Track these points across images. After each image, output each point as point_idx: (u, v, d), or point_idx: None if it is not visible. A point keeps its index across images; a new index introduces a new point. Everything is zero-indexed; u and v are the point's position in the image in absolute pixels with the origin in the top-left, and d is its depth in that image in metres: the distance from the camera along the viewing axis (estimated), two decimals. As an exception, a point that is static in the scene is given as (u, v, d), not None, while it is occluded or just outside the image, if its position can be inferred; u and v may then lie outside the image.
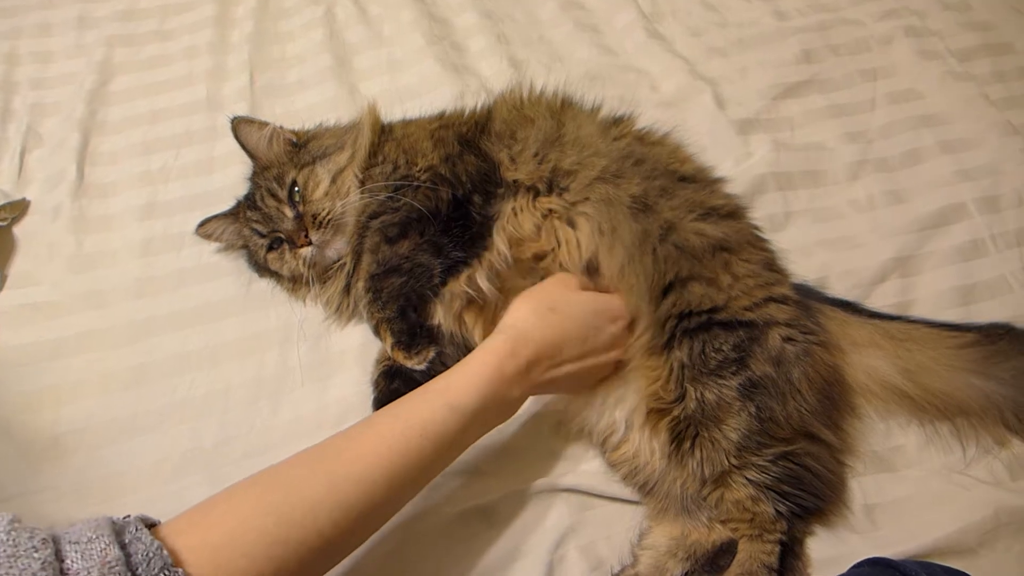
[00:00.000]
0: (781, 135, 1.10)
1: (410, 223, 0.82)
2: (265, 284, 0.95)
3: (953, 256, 0.98)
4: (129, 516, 0.53)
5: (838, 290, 0.93)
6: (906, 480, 0.82)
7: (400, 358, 0.79)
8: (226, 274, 0.96)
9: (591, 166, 0.81)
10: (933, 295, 0.95)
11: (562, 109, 0.89)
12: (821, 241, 1.00)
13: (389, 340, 0.79)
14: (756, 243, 0.84)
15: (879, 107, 1.15)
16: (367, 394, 0.85)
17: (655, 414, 0.78)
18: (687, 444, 0.76)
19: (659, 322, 0.78)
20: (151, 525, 0.54)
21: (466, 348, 0.85)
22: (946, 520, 0.78)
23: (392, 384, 0.82)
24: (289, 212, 0.86)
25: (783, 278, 0.84)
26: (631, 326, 0.79)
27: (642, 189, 0.80)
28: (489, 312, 0.84)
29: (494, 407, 0.70)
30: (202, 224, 0.94)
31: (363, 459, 0.61)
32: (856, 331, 0.85)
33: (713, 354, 0.76)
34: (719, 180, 0.88)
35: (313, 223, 0.85)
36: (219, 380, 0.87)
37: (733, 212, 0.84)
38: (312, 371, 0.88)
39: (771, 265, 0.84)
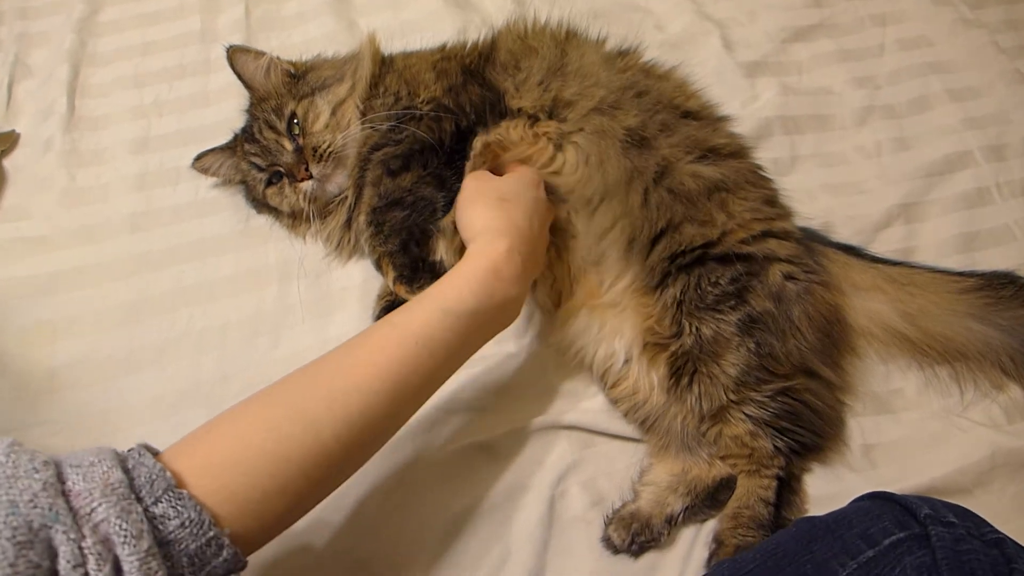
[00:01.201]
0: (789, 79, 1.06)
1: (413, 155, 0.78)
2: (264, 220, 0.91)
3: (958, 203, 0.96)
4: (132, 447, 0.51)
5: (842, 235, 0.91)
6: (905, 422, 0.81)
7: (402, 292, 0.76)
8: (223, 209, 0.92)
9: (590, 96, 0.77)
10: (937, 242, 0.93)
11: (567, 39, 0.84)
12: (826, 186, 0.97)
13: (391, 274, 0.77)
14: (756, 181, 0.81)
15: (888, 53, 1.11)
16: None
17: (652, 348, 0.77)
18: (685, 379, 0.74)
19: (648, 268, 0.76)
20: (154, 453, 0.51)
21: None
22: (943, 460, 0.78)
23: None
24: (288, 145, 0.82)
25: (785, 214, 0.82)
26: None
27: (639, 122, 0.76)
28: None
29: (493, 309, 0.65)
30: (198, 158, 0.90)
31: (360, 370, 0.58)
32: (858, 274, 0.84)
33: (710, 288, 0.74)
34: (724, 118, 0.85)
35: (313, 156, 0.81)
36: (217, 316, 0.85)
37: (735, 152, 0.81)
38: (313, 308, 0.86)
39: (772, 201, 0.81)
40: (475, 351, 0.66)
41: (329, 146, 0.81)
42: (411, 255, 0.77)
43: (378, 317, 0.82)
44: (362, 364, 0.58)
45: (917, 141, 1.02)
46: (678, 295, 0.74)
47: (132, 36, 1.08)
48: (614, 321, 0.78)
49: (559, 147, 0.76)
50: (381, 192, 0.79)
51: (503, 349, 0.83)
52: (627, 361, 0.78)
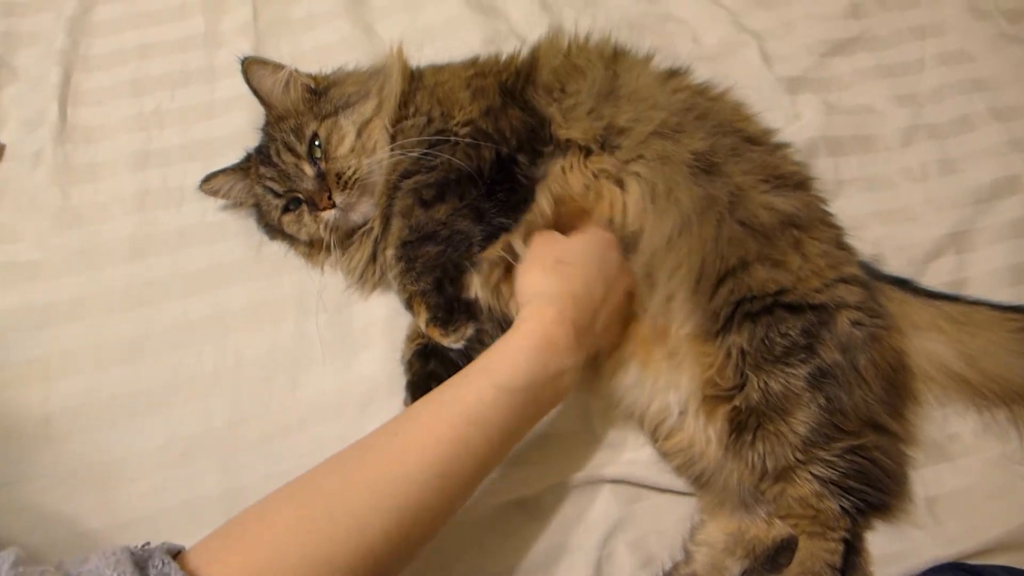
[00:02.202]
0: (830, 96, 0.98)
1: (448, 184, 0.70)
2: (277, 247, 0.82)
3: (1008, 232, 0.88)
4: (150, 544, 0.42)
5: (893, 267, 0.84)
6: (964, 470, 0.75)
7: (436, 336, 0.68)
8: (233, 234, 0.82)
9: (647, 120, 0.70)
10: (987, 273, 0.86)
11: (615, 58, 0.76)
12: (874, 213, 0.90)
13: (424, 316, 0.69)
14: (826, 219, 0.74)
15: (928, 68, 1.03)
16: (396, 372, 0.74)
17: (712, 400, 0.69)
18: (748, 436, 0.67)
19: (712, 312, 0.68)
20: (176, 553, 0.43)
21: (504, 322, 0.75)
22: (1008, 513, 0.71)
23: (428, 365, 0.72)
24: (309, 170, 0.73)
25: (852, 256, 0.75)
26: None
27: (707, 145, 0.69)
28: None
29: (547, 382, 0.60)
30: (207, 179, 0.80)
31: (408, 455, 0.52)
32: (917, 313, 0.76)
33: (779, 339, 0.66)
34: (784, 145, 0.77)
35: (337, 183, 0.72)
36: (229, 353, 0.76)
37: (803, 182, 0.74)
38: (333, 346, 0.77)
39: (842, 243, 0.74)
40: (530, 429, 0.60)
41: (355, 172, 0.72)
42: (446, 295, 0.69)
43: (409, 363, 0.73)
44: (409, 449, 0.51)
45: (963, 163, 0.95)
46: (744, 345, 0.66)
47: (129, 37, 0.97)
48: (670, 374, 0.70)
49: (620, 184, 0.68)
50: (412, 224, 0.70)
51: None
52: (682, 414, 0.71)
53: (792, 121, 0.94)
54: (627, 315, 0.72)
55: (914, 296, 0.78)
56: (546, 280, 0.64)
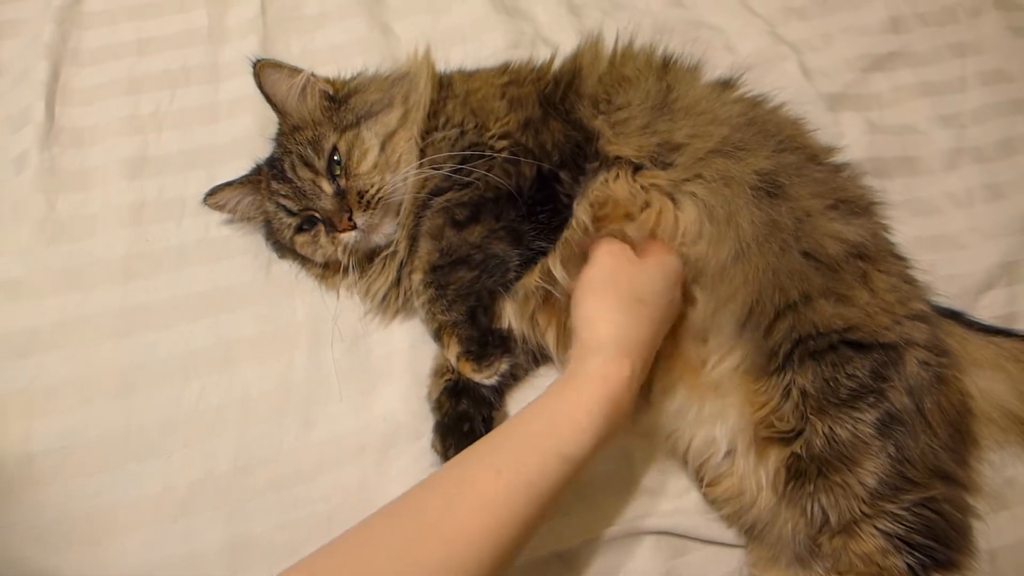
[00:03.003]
0: (872, 114, 0.92)
1: (484, 204, 0.63)
2: (288, 266, 0.74)
3: (1058, 263, 0.83)
4: None
5: (943, 297, 0.78)
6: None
7: (467, 371, 0.62)
8: (239, 253, 0.74)
9: (707, 136, 0.63)
10: (1040, 307, 0.81)
11: (665, 68, 0.69)
12: (922, 239, 0.83)
13: (455, 349, 0.62)
14: (893, 250, 0.68)
15: (970, 87, 0.97)
16: (421, 410, 0.67)
17: (765, 442, 0.62)
18: (808, 486, 0.60)
19: (768, 349, 0.61)
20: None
21: (538, 353, 0.68)
22: (1075, 569, 0.66)
23: (459, 405, 0.64)
24: (328, 187, 0.65)
25: (920, 291, 0.68)
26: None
27: (773, 164, 0.62)
28: (562, 308, 0.67)
29: (607, 443, 0.54)
30: (212, 193, 0.71)
31: (462, 534, 0.46)
32: (978, 351, 0.70)
33: (845, 381, 0.60)
34: (845, 165, 0.70)
35: (359, 202, 0.64)
36: (234, 388, 0.67)
37: (868, 207, 0.67)
38: (352, 379, 0.69)
39: (908, 276, 0.68)
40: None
41: (378, 190, 0.65)
42: (480, 326, 0.63)
43: (438, 401, 0.65)
44: (463, 529, 0.45)
45: (1010, 189, 0.89)
46: (807, 386, 0.60)
47: (125, 31, 0.87)
48: (716, 404, 0.64)
49: (673, 200, 0.61)
50: (443, 247, 0.63)
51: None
52: (729, 453, 0.64)
53: (836, 141, 0.88)
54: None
55: (971, 331, 0.73)
56: (623, 320, 0.56)
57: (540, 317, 0.67)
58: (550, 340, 0.67)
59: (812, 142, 0.69)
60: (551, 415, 0.52)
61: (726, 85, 0.70)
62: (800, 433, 0.60)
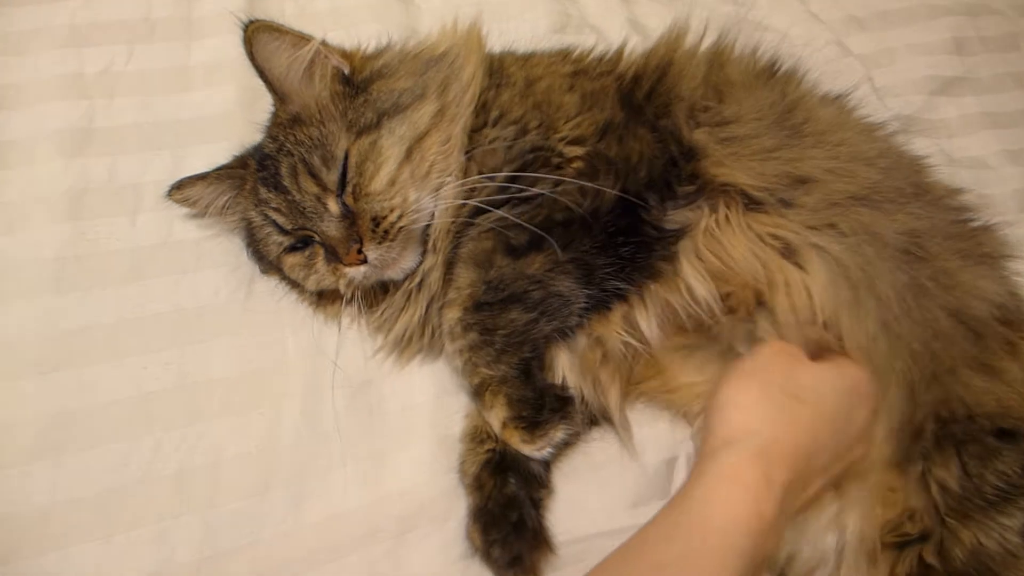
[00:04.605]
0: (942, 143, 0.82)
1: (549, 228, 0.49)
2: (275, 284, 0.57)
3: None
4: None
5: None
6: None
7: (515, 441, 0.48)
8: (212, 263, 0.56)
9: (849, 176, 0.49)
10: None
11: (774, 76, 0.55)
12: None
13: (502, 413, 0.48)
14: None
15: (1035, 122, 0.89)
16: (448, 483, 0.52)
17: (889, 551, 0.50)
18: None
19: (912, 428, 0.49)
20: None
21: (596, 418, 0.54)
22: None
23: (505, 486, 0.50)
24: (335, 207, 0.50)
25: None
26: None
27: (925, 222, 0.49)
28: (626, 367, 0.53)
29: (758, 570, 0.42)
30: (180, 186, 0.54)
31: None
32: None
33: (991, 478, 0.48)
34: (968, 207, 0.59)
35: (373, 232, 0.49)
36: (202, 448, 0.50)
37: (1002, 259, 0.55)
38: (358, 440, 0.52)
39: None
40: None
41: (399, 217, 0.49)
42: (534, 384, 0.48)
43: (477, 479, 0.50)
44: None
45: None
46: (948, 481, 0.48)
47: (67, -36, 0.68)
48: (832, 506, 0.51)
49: (796, 261, 0.48)
50: (493, 279, 0.49)
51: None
52: (839, 563, 0.51)
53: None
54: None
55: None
56: (765, 413, 0.45)
57: (603, 373, 0.52)
58: (612, 401, 0.53)
59: (940, 184, 0.57)
60: (686, 539, 0.40)
61: (842, 104, 0.57)
62: (927, 538, 0.49)
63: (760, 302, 0.49)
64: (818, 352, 0.49)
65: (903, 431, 0.49)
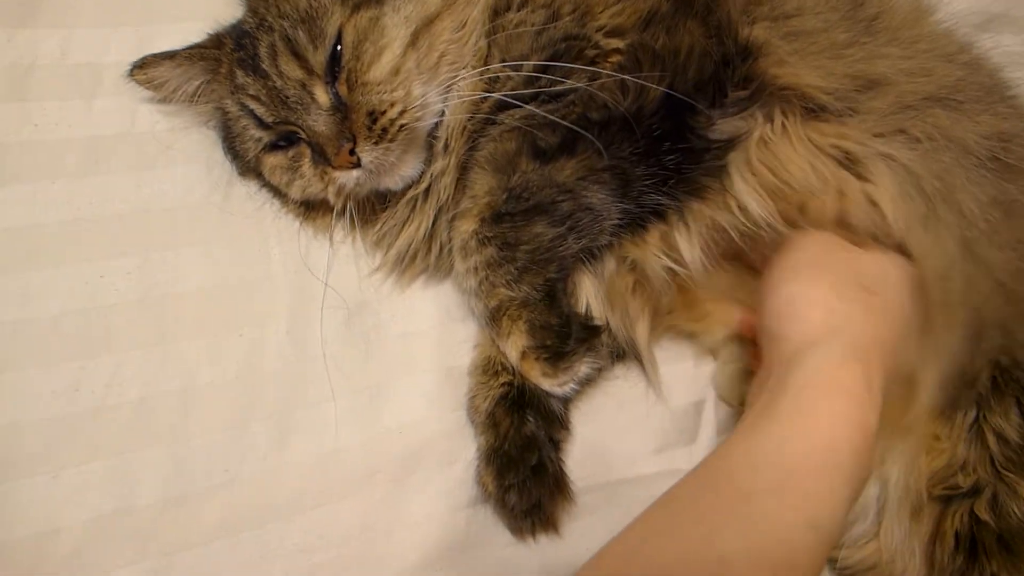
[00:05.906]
0: None
1: (586, 128, 0.41)
2: (257, 188, 0.49)
3: None
4: None
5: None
6: None
7: (535, 374, 0.43)
8: (184, 159, 0.47)
9: (924, 75, 0.43)
10: None
11: None
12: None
13: (521, 341, 0.43)
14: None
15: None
16: (456, 421, 0.45)
17: (935, 504, 0.45)
18: (991, 565, 0.44)
19: (967, 377, 0.43)
20: None
21: (619, 352, 0.48)
22: None
23: (523, 425, 0.44)
24: (323, 96, 0.42)
25: None
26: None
27: (1012, 125, 0.43)
28: (655, 296, 0.46)
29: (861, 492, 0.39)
30: (143, 64, 0.45)
31: None
32: None
33: None
34: None
35: (368, 128, 0.41)
36: (171, 372, 0.43)
37: None
38: (352, 370, 0.45)
39: None
40: None
41: (401, 113, 0.42)
42: (559, 309, 0.41)
43: (490, 416, 0.44)
44: None
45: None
46: (1007, 431, 0.43)
47: None
48: (879, 458, 0.46)
49: (859, 171, 0.42)
50: (516, 186, 0.42)
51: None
52: (880, 512, 0.47)
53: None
54: None
55: None
56: (842, 308, 0.39)
57: (632, 301, 0.46)
58: (640, 334, 0.47)
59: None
60: (775, 463, 0.34)
61: (924, 8, 0.49)
62: (978, 491, 0.44)
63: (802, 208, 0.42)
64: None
65: (956, 379, 0.44)
